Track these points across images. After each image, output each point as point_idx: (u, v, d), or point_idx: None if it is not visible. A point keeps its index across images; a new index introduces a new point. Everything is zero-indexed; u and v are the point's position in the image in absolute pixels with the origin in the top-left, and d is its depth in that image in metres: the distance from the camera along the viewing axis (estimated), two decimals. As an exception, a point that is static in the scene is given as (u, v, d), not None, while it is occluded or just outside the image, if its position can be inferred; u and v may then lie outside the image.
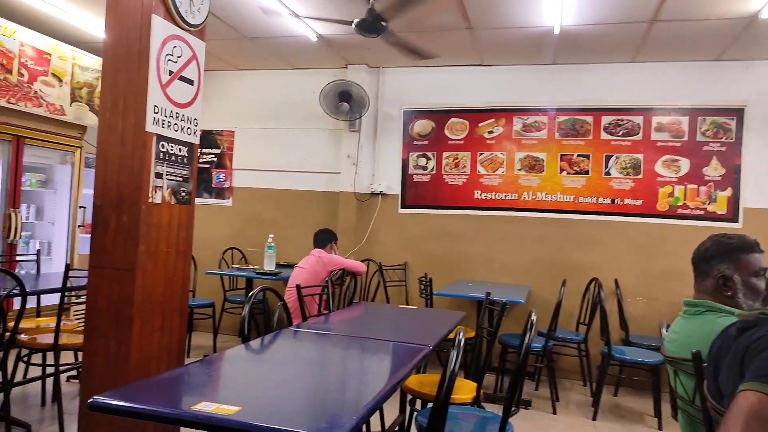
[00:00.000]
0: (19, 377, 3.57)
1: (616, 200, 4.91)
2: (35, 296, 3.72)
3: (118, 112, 2.62)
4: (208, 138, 5.99)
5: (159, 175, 2.67)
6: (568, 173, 5.02)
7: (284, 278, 4.41)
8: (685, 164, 4.77)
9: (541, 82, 5.12)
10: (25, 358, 3.41)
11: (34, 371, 3.61)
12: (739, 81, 4.68)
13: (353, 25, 3.70)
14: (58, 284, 3.26)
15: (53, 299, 3.61)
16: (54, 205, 5.21)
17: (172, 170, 2.75)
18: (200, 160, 5.92)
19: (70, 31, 4.87)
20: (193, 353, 5.01)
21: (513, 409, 2.14)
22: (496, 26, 4.29)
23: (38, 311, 4.02)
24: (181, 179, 2.81)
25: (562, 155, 5.04)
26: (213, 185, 6.03)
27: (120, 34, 2.62)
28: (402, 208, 5.47)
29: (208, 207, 5.96)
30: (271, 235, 4.88)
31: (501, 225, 5.17)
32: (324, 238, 4.32)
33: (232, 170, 6.00)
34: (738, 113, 4.67)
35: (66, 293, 3.23)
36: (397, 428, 3.03)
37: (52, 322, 3.41)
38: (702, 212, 4.73)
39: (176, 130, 2.77)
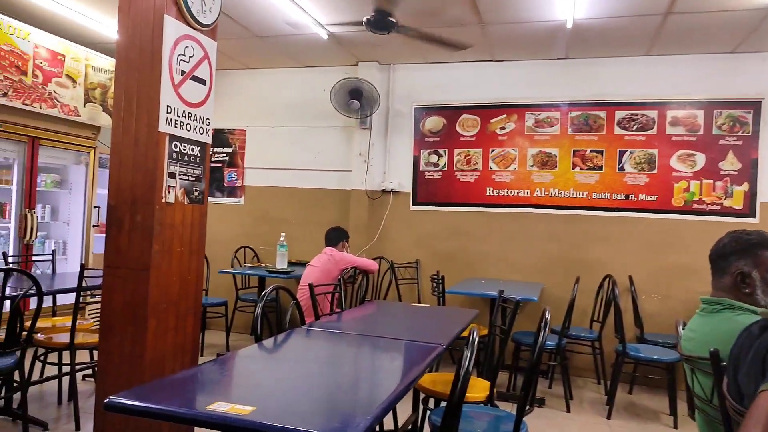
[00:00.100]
0: (35, 376, 3.62)
1: (630, 196, 4.85)
2: (51, 296, 3.77)
3: (131, 113, 2.63)
4: (220, 137, 6.02)
5: (172, 175, 2.68)
6: (581, 169, 4.98)
7: (296, 276, 4.42)
8: (700, 159, 4.70)
9: (553, 77, 5.07)
10: (42, 357, 3.46)
11: (51, 370, 3.66)
12: (755, 73, 4.60)
13: (364, 24, 3.70)
14: (74, 284, 3.29)
15: (69, 299, 3.66)
16: (69, 205, 5.27)
17: (184, 170, 2.76)
18: (212, 159, 5.95)
19: (83, 33, 4.92)
20: (207, 352, 5.04)
21: (527, 408, 2.12)
22: (508, 21, 4.25)
23: (54, 311, 4.07)
24: (193, 179, 2.83)
25: (575, 151, 5.00)
26: (225, 184, 6.06)
27: (133, 35, 2.63)
28: (413, 205, 5.46)
29: (221, 206, 5.99)
30: (283, 234, 4.89)
31: (513, 222, 5.14)
32: (336, 236, 4.32)
33: (243, 169, 6.02)
34: (755, 106, 4.59)
35: (81, 293, 3.26)
36: (410, 427, 3.03)
37: (67, 322, 3.45)
38: (718, 207, 4.66)
39: (189, 130, 2.78)
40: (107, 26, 4.69)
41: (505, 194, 5.17)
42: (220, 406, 1.33)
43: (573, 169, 5.00)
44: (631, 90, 4.86)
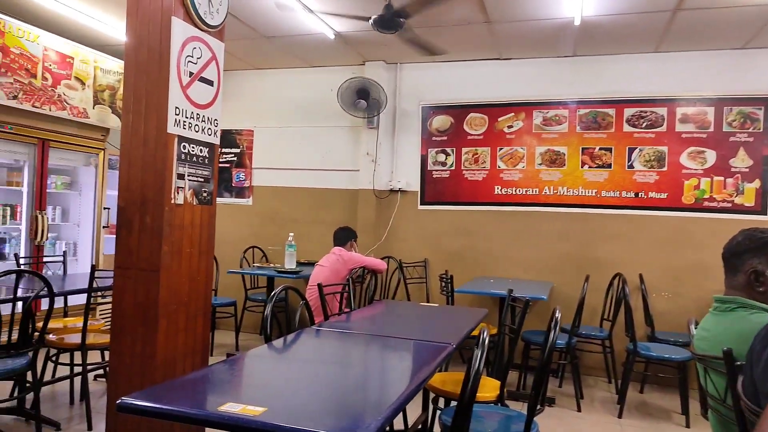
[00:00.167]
0: (48, 376, 3.65)
1: (639, 194, 4.82)
2: (62, 297, 3.79)
3: (140, 114, 2.65)
4: (228, 137, 6.04)
5: (181, 176, 2.69)
6: (590, 167, 4.95)
7: (305, 276, 4.43)
8: (711, 156, 4.66)
9: (561, 75, 5.04)
10: (54, 358, 3.48)
11: (63, 370, 3.68)
12: (766, 69, 4.55)
13: (370, 22, 3.69)
14: (85, 285, 3.31)
15: (80, 299, 3.68)
16: (79, 206, 5.30)
17: (193, 171, 2.77)
18: (220, 160, 5.97)
19: (91, 35, 4.95)
20: (216, 351, 5.06)
21: (538, 407, 2.11)
22: (515, 19, 4.23)
23: (65, 311, 4.10)
24: (202, 180, 2.83)
25: (583, 149, 4.97)
26: (233, 184, 6.08)
27: (141, 37, 2.65)
28: (421, 204, 5.45)
29: (229, 206, 6.01)
30: (292, 234, 4.90)
31: (522, 220, 5.12)
32: (344, 236, 4.32)
33: (251, 169, 6.04)
34: (766, 102, 4.54)
35: (92, 294, 3.28)
36: (420, 426, 3.02)
37: (79, 322, 3.48)
38: (729, 205, 4.62)
39: (197, 131, 2.78)
40: (115, 28, 4.72)
41: (514, 193, 5.15)
42: (232, 407, 1.33)
43: (582, 167, 4.97)
44: (640, 87, 4.83)
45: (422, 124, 5.45)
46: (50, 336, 3.32)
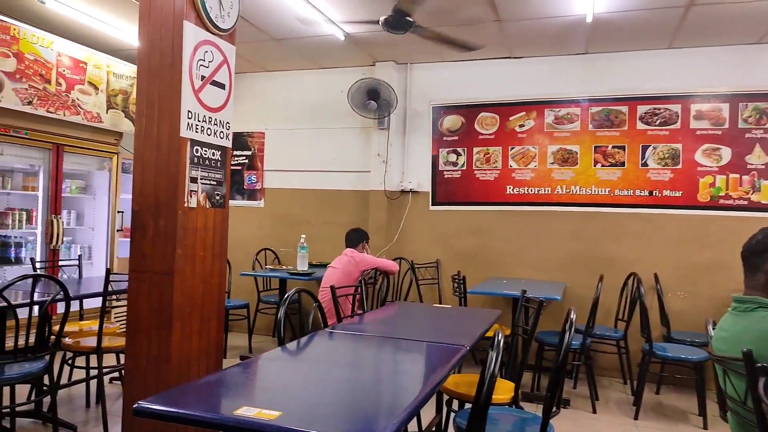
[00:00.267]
0: (64, 380, 3.69)
1: (654, 192, 4.77)
2: (78, 300, 3.83)
3: (153, 118, 2.67)
4: (239, 140, 6.07)
5: (194, 180, 2.70)
6: (603, 165, 4.91)
7: (317, 278, 4.44)
8: (726, 153, 4.60)
9: (572, 73, 5.01)
10: (70, 361, 3.52)
11: (79, 374, 3.72)
12: (783, 64, 4.48)
13: (380, 23, 3.69)
14: (100, 288, 3.34)
15: (95, 303, 3.71)
16: (93, 210, 5.36)
17: (206, 174, 2.78)
18: (232, 163, 6.00)
19: (104, 40, 4.99)
20: (230, 354, 5.08)
21: (554, 410, 2.09)
22: (526, 17, 4.21)
23: (81, 315, 4.14)
24: (215, 183, 2.85)
25: (596, 147, 4.93)
26: (245, 187, 6.10)
27: (153, 42, 2.66)
28: (433, 205, 5.43)
29: (241, 208, 6.04)
30: (304, 235, 4.90)
31: (534, 220, 5.09)
32: (356, 238, 4.32)
33: (263, 171, 6.06)
34: (782, 98, 4.47)
35: (107, 297, 3.31)
36: (434, 429, 3.01)
37: (94, 326, 3.51)
38: (745, 202, 4.55)
39: (209, 135, 2.80)
40: (128, 33, 4.76)
41: (526, 192, 5.12)
42: (247, 411, 1.33)
43: (594, 165, 4.93)
44: (653, 84, 4.77)
45: (433, 124, 5.44)
46: (66, 339, 3.35)
